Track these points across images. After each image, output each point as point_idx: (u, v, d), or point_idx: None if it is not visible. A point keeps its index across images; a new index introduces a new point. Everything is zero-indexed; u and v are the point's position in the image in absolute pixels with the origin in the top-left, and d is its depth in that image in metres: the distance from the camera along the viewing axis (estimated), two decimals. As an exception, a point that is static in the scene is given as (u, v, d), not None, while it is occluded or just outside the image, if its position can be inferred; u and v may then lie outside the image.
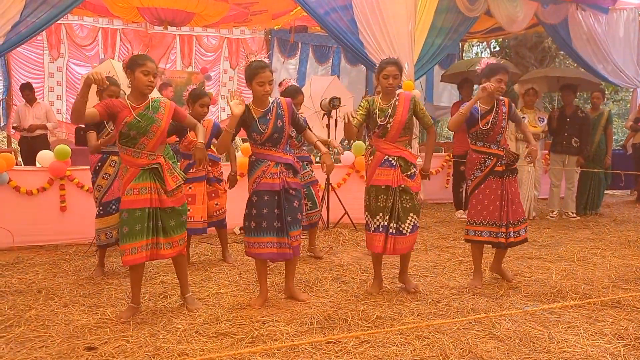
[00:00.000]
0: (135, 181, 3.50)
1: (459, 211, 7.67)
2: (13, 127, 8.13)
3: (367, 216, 4.13)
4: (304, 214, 5.12)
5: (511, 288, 4.31)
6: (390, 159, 4.04)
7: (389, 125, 4.02)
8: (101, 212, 4.65)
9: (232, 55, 11.91)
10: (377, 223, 4.04)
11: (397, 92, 4.15)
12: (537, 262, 5.14)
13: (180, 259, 3.81)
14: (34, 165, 7.27)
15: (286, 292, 4.07)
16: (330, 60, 12.33)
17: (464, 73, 8.46)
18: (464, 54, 13.46)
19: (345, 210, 6.70)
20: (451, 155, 8.20)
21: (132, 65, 3.49)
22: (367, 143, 4.31)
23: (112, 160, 4.64)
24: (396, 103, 4.06)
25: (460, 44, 12.36)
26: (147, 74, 3.46)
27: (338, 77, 11.01)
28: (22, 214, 5.66)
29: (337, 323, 3.52)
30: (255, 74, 3.69)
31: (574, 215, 7.70)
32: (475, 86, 7.34)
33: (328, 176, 6.63)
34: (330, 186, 6.65)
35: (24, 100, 8.41)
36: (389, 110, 4.04)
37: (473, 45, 17.10)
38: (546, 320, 3.59)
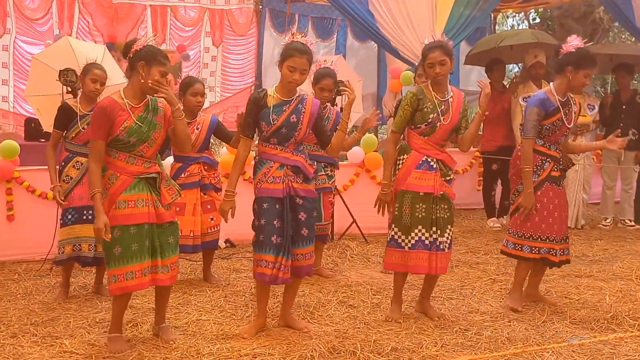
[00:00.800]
0: (128, 192, 3.50)
1: (492, 219, 7.67)
2: None
3: (394, 229, 4.13)
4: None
5: (555, 313, 4.32)
6: (429, 160, 4.09)
7: (438, 124, 4.06)
8: (61, 222, 4.69)
9: (215, 30, 11.89)
10: (417, 237, 4.06)
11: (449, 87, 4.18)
12: (586, 281, 5.14)
13: (169, 288, 3.83)
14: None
15: (281, 319, 4.08)
16: (335, 36, 12.33)
17: (493, 52, 8.43)
18: (496, 27, 13.45)
19: (353, 218, 6.70)
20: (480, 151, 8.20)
21: (151, 59, 3.48)
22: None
23: (77, 162, 4.63)
24: (451, 100, 4.11)
25: (492, 15, 12.34)
26: (164, 74, 3.52)
27: (344, 56, 11.02)
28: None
29: (343, 356, 3.52)
30: (289, 55, 3.75)
31: (632, 223, 7.69)
32: (514, 68, 7.25)
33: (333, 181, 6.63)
34: (334, 189, 6.64)
35: None
36: (443, 107, 4.08)
37: (508, 17, 17.08)
38: (598, 353, 3.59)
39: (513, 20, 17.75)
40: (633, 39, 11.55)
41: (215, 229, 5.10)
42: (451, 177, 4.16)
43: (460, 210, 8.55)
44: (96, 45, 7.48)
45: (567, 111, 4.31)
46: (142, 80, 3.48)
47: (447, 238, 4.10)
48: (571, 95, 4.40)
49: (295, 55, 3.72)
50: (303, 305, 4.45)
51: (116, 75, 5.38)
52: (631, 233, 7.31)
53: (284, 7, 11.23)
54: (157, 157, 3.73)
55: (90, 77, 4.62)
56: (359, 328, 4.00)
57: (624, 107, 7.54)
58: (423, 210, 4.05)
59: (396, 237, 4.12)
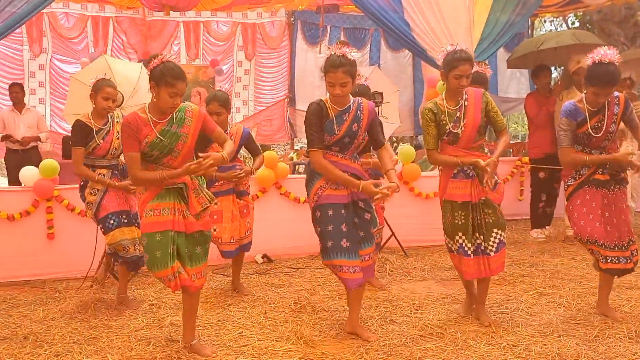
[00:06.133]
0: (155, 200, 3.64)
1: (535, 230, 7.54)
2: (3, 138, 8.26)
3: (445, 236, 4.34)
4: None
5: (608, 327, 4.22)
6: (465, 168, 4.17)
7: (459, 131, 4.14)
8: (102, 230, 4.85)
9: (248, 43, 12.04)
10: (459, 244, 4.22)
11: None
12: (638, 294, 5.04)
13: (196, 295, 3.88)
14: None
15: (348, 327, 4.19)
16: (368, 46, 12.35)
17: (535, 55, 8.36)
18: (534, 32, 13.32)
19: (391, 231, 6.66)
20: (526, 159, 8.07)
21: (159, 80, 3.57)
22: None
23: (99, 174, 4.86)
24: (466, 103, 4.18)
25: (529, 20, 12.24)
26: (174, 95, 3.58)
27: (379, 67, 11.03)
28: (3, 244, 5.80)
29: (388, 374, 3.51)
30: (326, 71, 3.85)
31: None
32: (554, 73, 7.19)
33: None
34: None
35: (9, 105, 8.59)
36: (458, 114, 4.16)
37: (546, 21, 16.92)
38: (655, 368, 3.50)
39: (551, 25, 17.58)
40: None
41: (249, 232, 5.21)
42: (495, 179, 4.20)
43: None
44: (133, 63, 7.63)
45: (601, 118, 4.20)
46: (155, 100, 3.61)
47: (494, 241, 4.21)
48: (615, 93, 4.25)
49: (330, 70, 3.81)
50: (341, 321, 4.42)
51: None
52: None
53: (316, 19, 11.30)
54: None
55: (103, 95, 4.79)
56: (403, 344, 3.97)
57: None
58: (462, 217, 4.19)
59: (448, 242, 4.33)
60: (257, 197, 6.28)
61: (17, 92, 8.41)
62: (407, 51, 11.54)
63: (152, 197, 3.64)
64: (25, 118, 8.40)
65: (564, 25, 16.16)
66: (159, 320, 4.58)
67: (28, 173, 6.00)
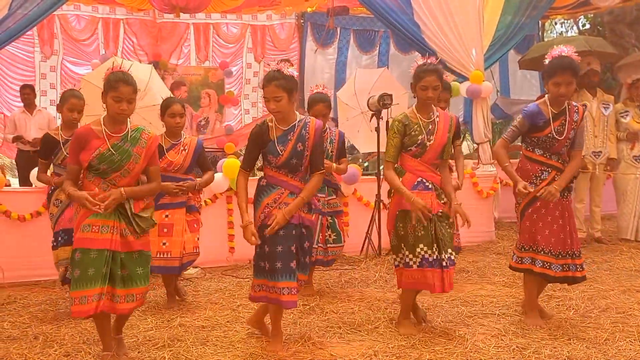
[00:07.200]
0: (95, 216, 3.50)
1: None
2: (14, 139, 8.32)
3: (403, 249, 4.15)
4: (326, 247, 5.27)
5: (618, 330, 4.19)
6: (424, 180, 4.14)
7: (428, 144, 4.12)
8: (53, 243, 4.86)
9: (257, 45, 12.08)
10: (421, 256, 4.07)
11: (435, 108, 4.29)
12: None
13: (130, 313, 3.80)
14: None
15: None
16: (377, 48, 12.36)
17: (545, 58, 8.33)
18: (544, 35, 13.28)
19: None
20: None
21: (105, 86, 3.56)
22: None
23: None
24: (437, 119, 4.19)
25: (540, 22, 12.20)
26: (119, 100, 3.52)
27: (387, 68, 11.01)
28: (14, 244, 5.86)
29: (397, 376, 3.50)
30: (262, 87, 3.82)
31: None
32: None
33: (378, 193, 6.63)
34: (381, 204, 6.64)
35: (20, 107, 8.66)
36: (430, 127, 4.16)
37: (556, 23, 16.83)
38: (666, 372, 3.48)
39: (562, 27, 17.48)
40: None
41: (197, 250, 5.08)
42: (444, 200, 4.19)
43: (511, 223, 8.42)
44: (143, 65, 7.66)
45: (562, 122, 4.25)
46: (104, 110, 3.58)
47: (450, 255, 4.10)
48: (574, 103, 4.36)
49: (265, 85, 3.76)
50: (347, 323, 4.42)
51: (164, 93, 5.58)
52: (695, 246, 7.06)
53: (326, 21, 11.30)
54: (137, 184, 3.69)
55: (68, 106, 4.80)
56: (412, 347, 3.96)
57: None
58: (422, 229, 4.05)
59: (403, 257, 4.15)
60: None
61: (28, 94, 8.47)
62: (416, 53, 11.51)
63: (91, 212, 3.50)
64: (36, 119, 8.45)
65: (575, 28, 16.07)
66: (168, 321, 4.59)
67: (39, 174, 6.02)
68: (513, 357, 3.75)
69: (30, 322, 4.64)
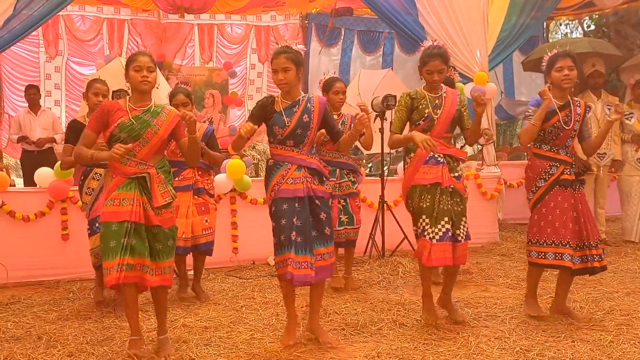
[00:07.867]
0: (118, 190, 3.67)
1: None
2: (19, 140, 8.35)
3: (424, 220, 4.23)
4: (340, 229, 5.30)
5: (623, 332, 4.17)
6: (436, 155, 4.25)
7: (435, 117, 4.26)
8: (89, 231, 4.94)
9: (261, 46, 12.08)
10: (422, 227, 4.23)
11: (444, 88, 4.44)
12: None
13: (163, 292, 3.88)
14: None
15: (309, 328, 4.14)
16: (381, 49, 12.34)
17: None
18: (549, 36, 13.25)
19: (404, 234, 6.65)
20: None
21: (126, 65, 3.78)
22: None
23: (96, 173, 4.95)
24: (444, 95, 4.34)
25: (544, 23, 12.17)
26: (139, 69, 3.70)
27: (392, 69, 11.01)
28: (18, 244, 5.87)
29: (400, 377, 3.49)
30: (271, 61, 4.01)
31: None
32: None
33: (382, 194, 6.62)
34: (385, 204, 6.63)
35: (25, 107, 8.67)
36: (437, 101, 4.30)
37: (561, 24, 16.79)
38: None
39: (566, 28, 17.45)
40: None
41: (209, 231, 5.16)
42: (459, 173, 4.35)
43: (516, 224, 8.42)
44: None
45: (567, 113, 4.35)
46: (127, 83, 3.77)
47: (463, 230, 4.24)
48: (575, 98, 4.48)
49: (274, 57, 3.93)
50: (351, 325, 4.42)
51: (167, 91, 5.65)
52: (700, 248, 7.03)
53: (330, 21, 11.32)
54: (162, 162, 3.83)
55: (93, 91, 4.94)
56: (415, 348, 3.95)
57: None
58: (428, 200, 4.20)
59: (421, 228, 4.27)
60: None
61: (33, 94, 8.50)
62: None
63: (116, 187, 3.68)
64: (40, 120, 8.48)
65: (580, 29, 16.03)
66: (172, 321, 4.59)
67: (43, 174, 6.06)
68: (516, 359, 3.74)
69: (33, 322, 4.65)
